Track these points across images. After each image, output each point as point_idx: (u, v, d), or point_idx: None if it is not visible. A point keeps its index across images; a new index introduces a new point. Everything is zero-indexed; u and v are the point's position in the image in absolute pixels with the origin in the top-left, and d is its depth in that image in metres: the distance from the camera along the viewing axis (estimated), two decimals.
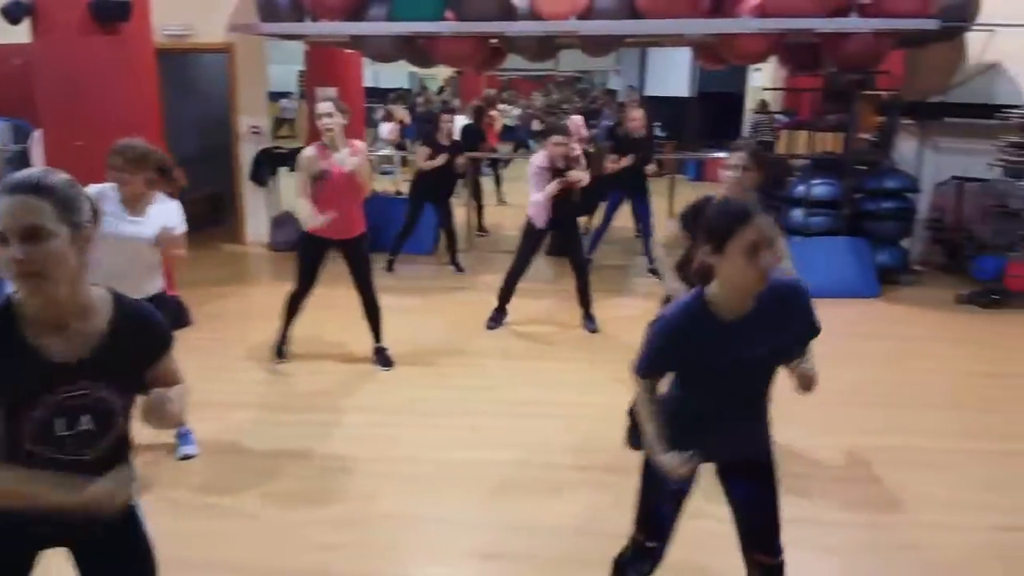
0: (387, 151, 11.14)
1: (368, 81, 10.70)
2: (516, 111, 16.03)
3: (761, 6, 6.24)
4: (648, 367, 2.15)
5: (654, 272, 6.52)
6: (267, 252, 8.18)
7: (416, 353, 5.15)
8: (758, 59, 7.10)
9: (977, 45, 7.10)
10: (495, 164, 11.29)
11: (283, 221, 8.15)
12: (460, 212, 8.23)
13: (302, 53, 8.73)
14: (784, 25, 6.16)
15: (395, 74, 17.62)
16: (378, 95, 15.14)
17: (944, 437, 4.13)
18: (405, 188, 9.19)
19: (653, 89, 17.09)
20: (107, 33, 5.06)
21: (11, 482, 1.60)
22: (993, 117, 6.67)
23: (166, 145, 4.68)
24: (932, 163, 7.52)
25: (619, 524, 2.39)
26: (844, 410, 4.38)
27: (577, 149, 5.52)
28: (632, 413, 3.64)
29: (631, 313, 5.76)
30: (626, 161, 7.01)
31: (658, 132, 15.49)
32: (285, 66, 13.19)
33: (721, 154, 5.05)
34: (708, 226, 2.01)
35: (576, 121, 10.18)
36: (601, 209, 7.54)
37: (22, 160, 6.20)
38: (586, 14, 6.39)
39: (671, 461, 2.05)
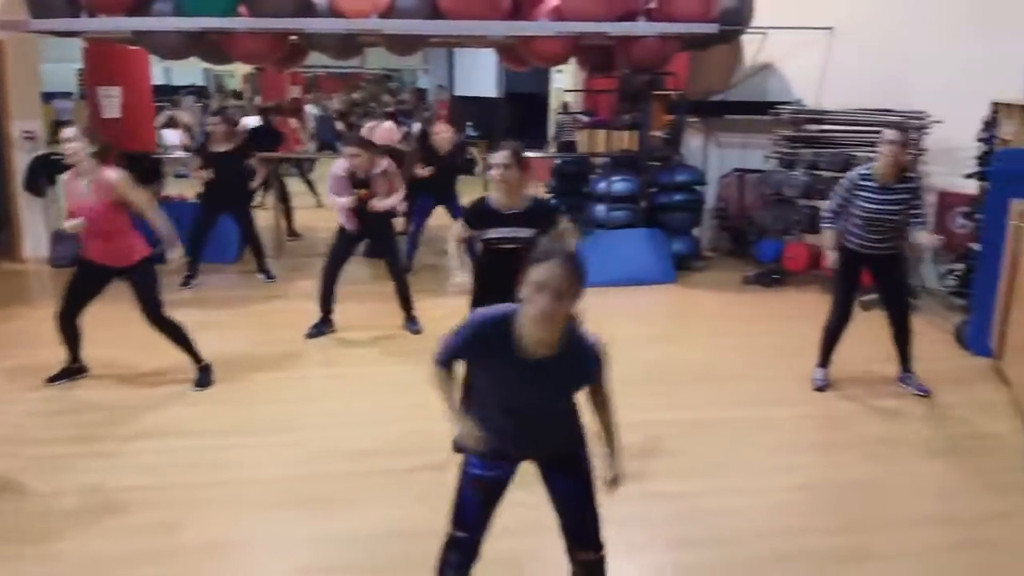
0: (179, 154, 10.43)
1: (159, 78, 10.02)
2: (315, 112, 15.62)
3: (557, 10, 6.49)
4: (445, 359, 2.26)
5: None
6: (48, 269, 7.43)
7: (231, 370, 4.88)
8: (557, 61, 7.37)
9: (752, 47, 7.78)
10: (300, 166, 10.99)
11: (65, 235, 7.41)
12: (268, 216, 7.89)
13: (80, 50, 8.03)
14: (577, 28, 6.45)
15: (189, 71, 16.61)
16: (171, 93, 14.23)
17: (737, 407, 4.51)
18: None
19: (462, 89, 17.28)
20: None
21: None
22: (767, 113, 7.32)
23: None
24: (716, 157, 8.16)
25: (442, 524, 2.40)
26: (647, 388, 4.66)
27: (383, 164, 5.46)
28: None
29: (455, 312, 5.74)
30: (431, 171, 7.06)
31: (470, 132, 15.73)
32: (62, 64, 12.11)
33: (530, 153, 5.19)
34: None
35: (386, 127, 10.06)
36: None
37: None
38: (388, 13, 6.35)
39: (463, 430, 2.21)
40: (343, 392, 4.75)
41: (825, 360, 4.77)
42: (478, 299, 3.65)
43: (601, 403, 2.30)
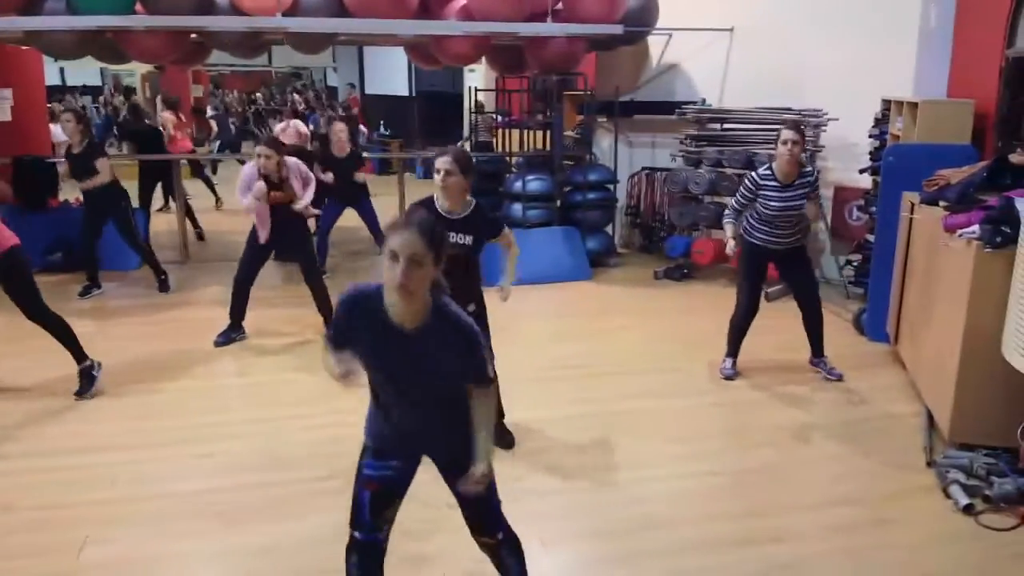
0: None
1: (53, 78, 9.53)
2: (211, 111, 15.20)
3: (466, 9, 6.48)
4: (332, 336, 2.23)
5: None
6: None
7: (135, 381, 4.70)
8: (468, 60, 7.36)
9: (657, 48, 7.95)
10: (197, 168, 10.69)
11: None
12: (167, 220, 7.59)
13: None
14: (485, 28, 6.45)
15: (84, 71, 15.88)
16: (66, 93, 13.58)
17: (647, 398, 4.61)
18: None
19: (373, 87, 17.08)
20: None
21: None
22: (673, 113, 7.49)
23: None
24: (627, 156, 8.30)
25: None
26: (562, 383, 4.73)
27: (291, 165, 5.35)
28: None
29: None
30: (330, 177, 6.89)
31: (382, 131, 15.57)
32: None
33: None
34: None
35: (296, 126, 9.89)
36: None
37: None
38: (292, 10, 6.22)
39: (335, 363, 2.19)
40: (256, 401, 4.63)
41: (733, 351, 4.92)
42: None
43: (479, 396, 2.26)
